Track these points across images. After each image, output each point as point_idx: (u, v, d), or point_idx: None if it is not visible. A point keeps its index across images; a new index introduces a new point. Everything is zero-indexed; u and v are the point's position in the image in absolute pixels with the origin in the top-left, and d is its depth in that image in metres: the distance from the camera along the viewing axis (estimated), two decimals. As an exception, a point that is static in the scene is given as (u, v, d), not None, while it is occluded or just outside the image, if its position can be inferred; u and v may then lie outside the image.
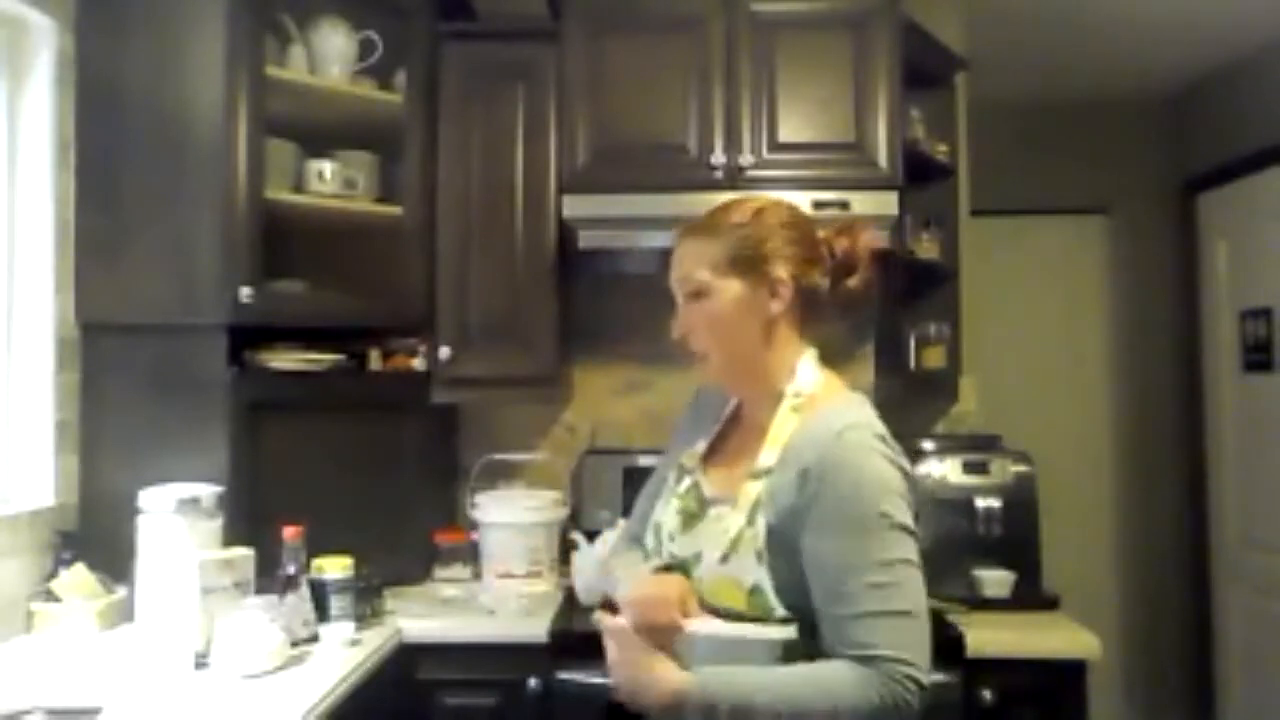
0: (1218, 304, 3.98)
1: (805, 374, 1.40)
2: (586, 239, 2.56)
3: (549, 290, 2.66)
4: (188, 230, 2.30)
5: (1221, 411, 3.96)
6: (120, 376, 2.33)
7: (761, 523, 1.29)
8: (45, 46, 2.30)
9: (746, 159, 2.56)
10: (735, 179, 2.55)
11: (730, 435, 1.48)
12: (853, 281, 1.43)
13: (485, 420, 2.99)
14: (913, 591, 1.23)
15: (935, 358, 2.80)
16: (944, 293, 2.88)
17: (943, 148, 2.88)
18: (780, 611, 1.27)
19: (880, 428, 1.33)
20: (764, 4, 2.60)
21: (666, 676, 1.27)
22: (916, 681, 1.19)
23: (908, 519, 1.26)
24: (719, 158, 2.56)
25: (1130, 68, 3.87)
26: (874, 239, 1.47)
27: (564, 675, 2.23)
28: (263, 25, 2.39)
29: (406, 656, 2.25)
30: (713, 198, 2.50)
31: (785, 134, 2.57)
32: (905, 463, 1.31)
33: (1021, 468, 2.55)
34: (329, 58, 2.54)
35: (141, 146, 2.32)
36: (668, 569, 1.39)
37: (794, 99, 2.58)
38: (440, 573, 2.68)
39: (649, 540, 1.47)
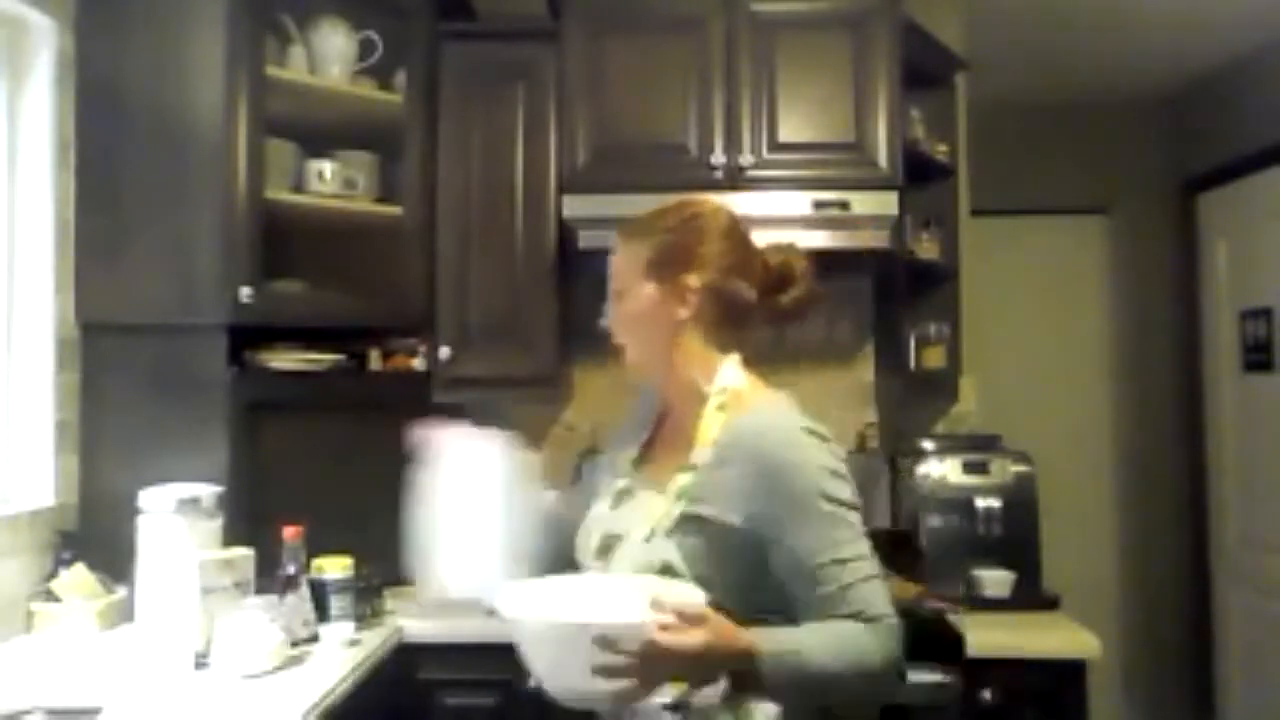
0: (1218, 304, 3.98)
1: (728, 376, 1.43)
2: (586, 239, 2.56)
3: (549, 290, 2.66)
4: (188, 230, 2.31)
5: (1221, 411, 3.96)
6: (120, 376, 2.33)
7: (680, 508, 1.35)
8: (45, 46, 2.30)
9: (746, 159, 2.56)
10: (735, 179, 2.55)
11: (660, 436, 1.53)
12: (786, 297, 1.48)
13: (485, 420, 2.97)
14: (869, 558, 1.32)
15: (935, 358, 2.80)
16: (944, 293, 2.88)
17: (943, 148, 2.88)
18: (691, 582, 1.30)
19: (805, 420, 1.38)
20: (764, 4, 2.60)
21: (733, 644, 1.20)
22: (898, 629, 1.30)
23: (848, 494, 1.34)
24: (719, 158, 2.56)
25: (1130, 68, 3.87)
26: (808, 266, 1.50)
27: (564, 675, 2.23)
28: (263, 25, 2.39)
29: (406, 656, 2.25)
30: (713, 198, 2.55)
31: (785, 134, 2.57)
32: (834, 445, 1.38)
33: (1021, 468, 2.55)
34: (329, 58, 2.54)
35: (141, 146, 2.32)
36: (602, 548, 1.43)
37: (794, 99, 2.58)
38: (440, 573, 2.68)
39: (581, 540, 1.49)
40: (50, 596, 2.12)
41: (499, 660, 2.25)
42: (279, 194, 2.43)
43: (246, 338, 2.33)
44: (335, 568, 2.15)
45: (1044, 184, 4.18)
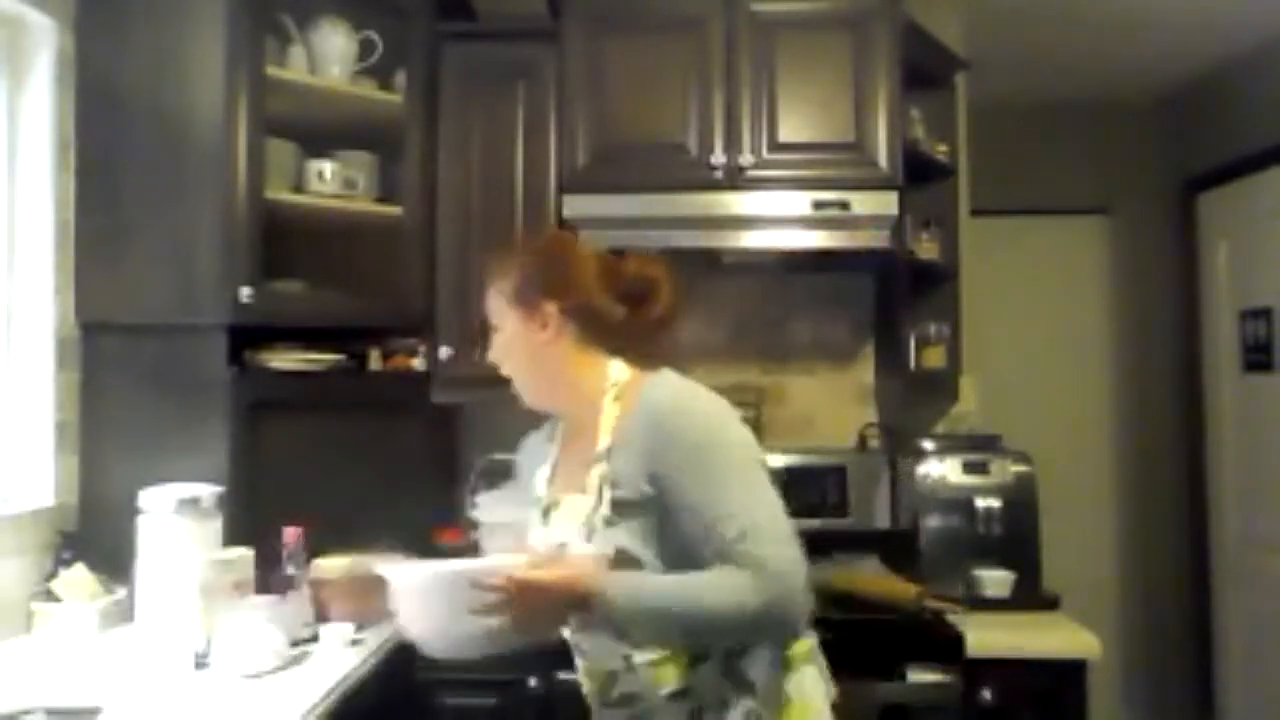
0: (1218, 304, 3.98)
1: (615, 372, 1.52)
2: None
3: (549, 290, 2.65)
4: (188, 230, 2.30)
5: (1221, 411, 3.96)
6: (120, 376, 2.33)
7: (608, 495, 1.41)
8: (45, 46, 2.30)
9: (746, 159, 2.56)
10: (735, 179, 2.55)
11: (566, 450, 1.59)
12: (653, 310, 1.54)
13: (485, 420, 2.99)
14: (763, 505, 1.36)
15: (935, 358, 2.80)
16: (944, 293, 2.88)
17: (943, 148, 2.88)
18: (653, 566, 1.37)
19: (687, 382, 1.46)
20: (764, 4, 2.60)
21: (572, 583, 1.33)
22: (789, 573, 1.33)
23: (739, 437, 1.42)
24: (719, 158, 2.56)
25: (1130, 68, 3.87)
26: (667, 274, 1.56)
27: (564, 675, 2.23)
28: (263, 25, 2.39)
29: (406, 656, 2.24)
30: (713, 198, 2.56)
31: (785, 134, 2.57)
32: (718, 396, 1.46)
33: (1021, 468, 2.55)
34: (329, 58, 2.54)
35: (141, 146, 2.32)
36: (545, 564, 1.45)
37: (794, 99, 2.58)
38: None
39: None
40: (50, 596, 2.12)
41: (499, 660, 2.27)
42: (279, 194, 2.43)
43: (246, 338, 2.33)
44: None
45: (1044, 184, 4.19)
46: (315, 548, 2.15)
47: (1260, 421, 3.71)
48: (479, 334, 1.62)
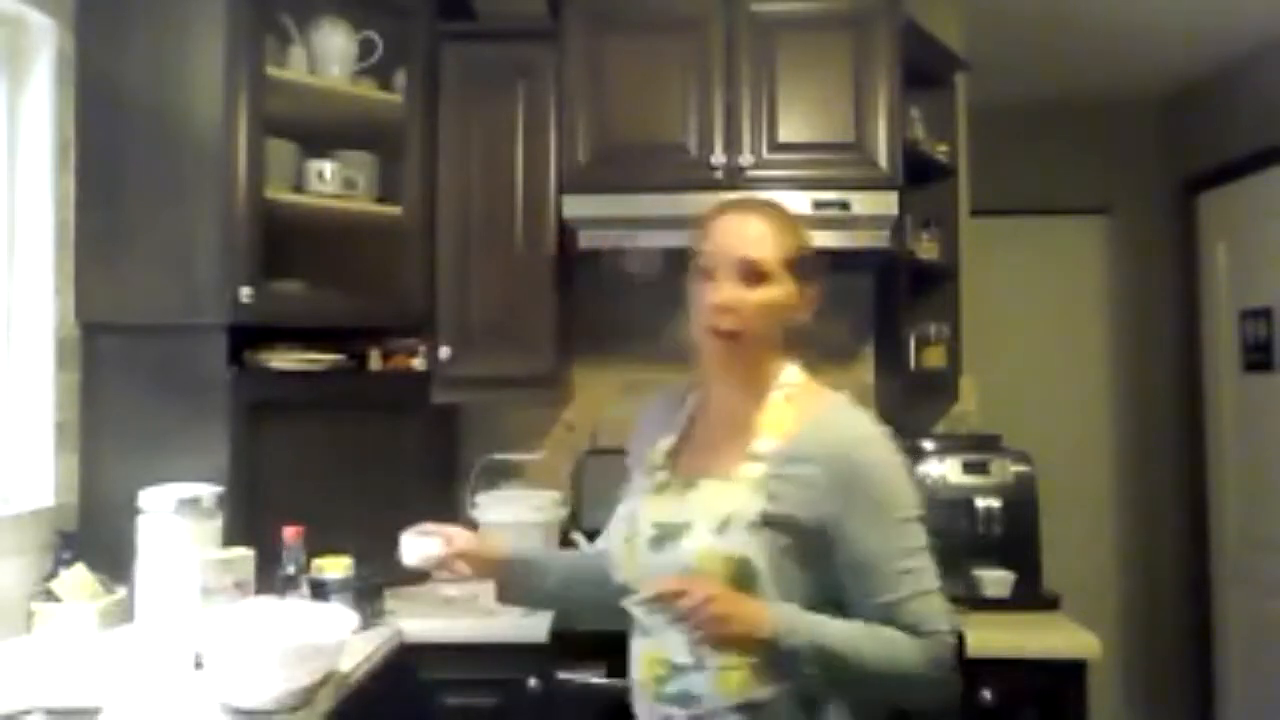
0: (1218, 304, 3.98)
1: (792, 374, 1.48)
2: (586, 239, 2.56)
3: (549, 290, 2.66)
4: (188, 230, 2.31)
5: (1221, 411, 3.96)
6: (120, 376, 2.33)
7: (760, 502, 1.35)
8: (45, 46, 2.30)
9: (746, 159, 2.56)
10: (735, 179, 2.55)
11: (699, 429, 1.52)
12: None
13: (485, 420, 2.99)
14: (931, 569, 1.38)
15: (935, 358, 2.80)
16: (944, 293, 2.88)
17: (943, 148, 2.88)
18: (766, 585, 1.33)
19: (877, 423, 1.43)
20: (764, 4, 2.60)
21: (761, 611, 1.30)
22: (950, 645, 1.36)
23: (917, 501, 1.40)
24: (719, 158, 2.56)
25: (1130, 68, 3.87)
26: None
27: (564, 675, 2.23)
28: (263, 25, 2.39)
29: (406, 656, 2.25)
30: (713, 198, 2.52)
31: (785, 134, 2.57)
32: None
33: (1021, 468, 2.54)
34: (329, 58, 2.54)
35: (141, 146, 2.32)
36: (659, 538, 1.41)
37: (794, 99, 2.58)
38: (441, 573, 2.67)
39: (623, 530, 1.48)
40: (50, 596, 2.12)
41: (499, 660, 2.28)
42: (279, 194, 2.43)
43: (247, 338, 2.33)
44: (335, 568, 2.15)
45: (1044, 184, 4.18)
46: (315, 548, 2.15)
47: (1260, 421, 3.71)
48: (742, 275, 1.40)
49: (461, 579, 1.64)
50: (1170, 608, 4.19)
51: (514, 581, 1.63)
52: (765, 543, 1.33)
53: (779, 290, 1.42)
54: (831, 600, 1.35)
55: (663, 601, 1.28)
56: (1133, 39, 3.55)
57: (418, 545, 1.56)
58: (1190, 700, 4.08)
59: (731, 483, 1.38)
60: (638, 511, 1.47)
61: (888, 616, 1.33)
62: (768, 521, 1.34)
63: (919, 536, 1.37)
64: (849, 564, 1.35)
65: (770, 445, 1.39)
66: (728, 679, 1.34)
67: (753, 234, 1.43)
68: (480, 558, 1.59)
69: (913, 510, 1.38)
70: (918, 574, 1.35)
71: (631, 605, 1.43)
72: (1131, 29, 3.45)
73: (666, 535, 1.40)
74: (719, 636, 1.28)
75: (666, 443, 1.52)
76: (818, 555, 1.35)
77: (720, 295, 1.40)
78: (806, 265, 1.45)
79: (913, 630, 1.32)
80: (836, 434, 1.39)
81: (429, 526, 1.60)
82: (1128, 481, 4.30)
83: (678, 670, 1.37)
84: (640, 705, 1.45)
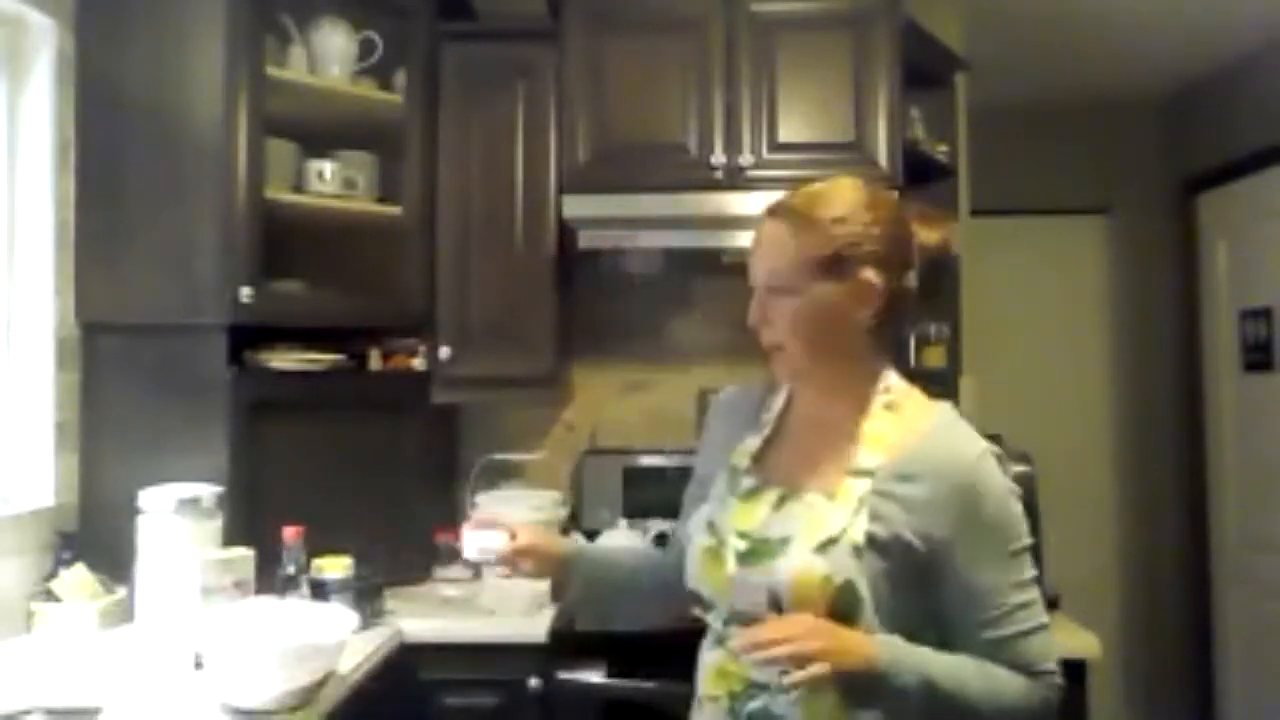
0: (1218, 304, 3.98)
1: (893, 379, 1.38)
2: (586, 239, 2.56)
3: (549, 290, 2.66)
4: (188, 230, 2.31)
5: (1221, 411, 3.96)
6: (120, 376, 2.33)
7: (864, 521, 1.25)
8: (45, 46, 2.30)
9: (746, 159, 2.56)
10: (735, 179, 2.55)
11: (786, 433, 1.41)
12: (910, 281, 1.38)
13: (485, 420, 2.99)
14: (1041, 603, 1.31)
15: (935, 358, 2.80)
16: (944, 293, 2.88)
17: (943, 148, 2.88)
18: (867, 612, 1.23)
19: (987, 442, 1.33)
20: (764, 4, 2.60)
21: (865, 645, 1.20)
22: (1059, 687, 1.31)
23: (1028, 530, 1.31)
24: (719, 158, 2.56)
25: (1130, 68, 3.87)
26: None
27: (564, 675, 2.23)
28: (263, 25, 2.39)
29: (406, 656, 2.25)
30: (713, 198, 2.56)
31: (785, 134, 2.57)
32: None
33: (1021, 468, 2.53)
34: (329, 58, 2.54)
35: (141, 146, 2.32)
36: (751, 552, 1.30)
37: (794, 99, 2.58)
38: (440, 573, 2.67)
39: (705, 539, 1.35)
40: (50, 596, 2.12)
41: (499, 660, 2.28)
42: (279, 194, 2.43)
43: (247, 338, 2.33)
44: (335, 568, 2.15)
45: (1044, 184, 4.18)
46: (315, 548, 2.15)
47: (1260, 421, 3.71)
48: (765, 287, 1.32)
49: (521, 576, 1.52)
50: (1170, 608, 4.19)
51: (575, 581, 1.53)
52: (868, 566, 1.23)
53: (807, 296, 1.30)
54: (931, 628, 1.26)
55: (759, 649, 1.17)
56: (1132, 39, 3.55)
57: (479, 538, 1.45)
58: (1190, 700, 4.08)
59: (834, 499, 1.27)
60: (719, 518, 1.35)
61: (995, 652, 1.25)
62: (872, 543, 1.23)
63: (1030, 568, 1.29)
64: (957, 593, 1.26)
65: (875, 460, 1.28)
66: (815, 706, 1.23)
67: (763, 244, 1.35)
68: (545, 554, 1.48)
69: (1026, 540, 1.29)
70: (1030, 609, 1.28)
71: (710, 619, 1.34)
72: (1131, 29, 3.45)
73: (758, 550, 1.28)
74: (820, 678, 1.16)
75: (753, 444, 1.41)
76: (922, 582, 1.25)
77: (750, 312, 1.35)
78: (846, 261, 1.29)
79: (1023, 669, 1.26)
80: (951, 453, 1.28)
81: (489, 516, 1.51)
82: (1128, 482, 4.30)
83: (757, 688, 1.26)
84: (704, 718, 1.34)
